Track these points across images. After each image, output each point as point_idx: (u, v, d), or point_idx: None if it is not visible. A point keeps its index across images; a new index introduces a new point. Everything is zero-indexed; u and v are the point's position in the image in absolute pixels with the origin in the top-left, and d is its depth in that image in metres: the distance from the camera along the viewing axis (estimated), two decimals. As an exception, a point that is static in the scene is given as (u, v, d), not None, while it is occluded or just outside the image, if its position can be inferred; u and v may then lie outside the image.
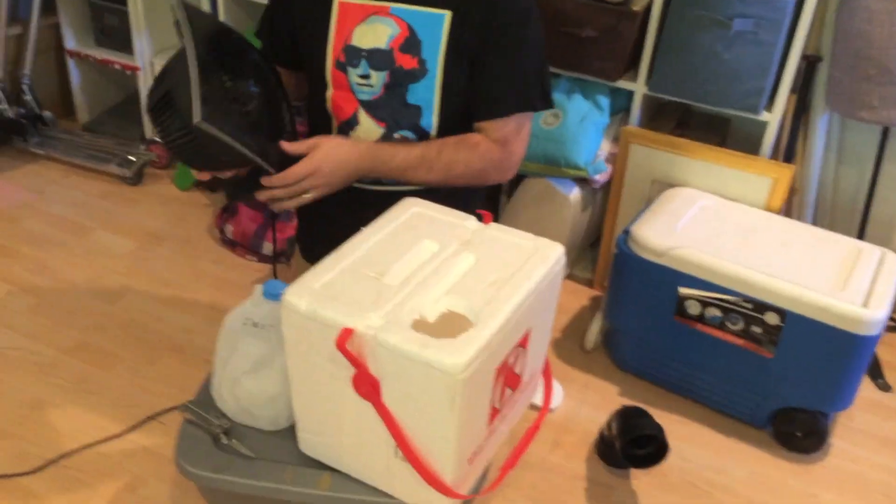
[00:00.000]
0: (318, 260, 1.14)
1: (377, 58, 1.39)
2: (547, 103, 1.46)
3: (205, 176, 1.32)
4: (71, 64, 2.91)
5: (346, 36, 1.40)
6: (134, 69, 2.77)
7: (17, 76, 2.79)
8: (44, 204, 2.56)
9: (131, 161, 2.69)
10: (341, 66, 1.41)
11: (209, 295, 2.20)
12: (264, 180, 1.30)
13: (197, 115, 1.15)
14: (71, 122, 3.02)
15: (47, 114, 2.85)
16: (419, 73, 1.39)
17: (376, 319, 1.01)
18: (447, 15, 1.37)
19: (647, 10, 2.02)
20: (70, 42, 2.87)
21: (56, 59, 2.95)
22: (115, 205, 2.59)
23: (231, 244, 2.40)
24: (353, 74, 1.41)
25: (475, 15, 1.37)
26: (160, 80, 1.25)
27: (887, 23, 1.84)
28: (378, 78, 1.40)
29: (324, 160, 1.31)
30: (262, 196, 1.32)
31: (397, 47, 1.39)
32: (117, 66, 2.81)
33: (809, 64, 2.07)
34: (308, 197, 1.34)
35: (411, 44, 1.39)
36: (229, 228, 2.40)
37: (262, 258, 2.37)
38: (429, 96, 1.41)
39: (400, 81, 1.40)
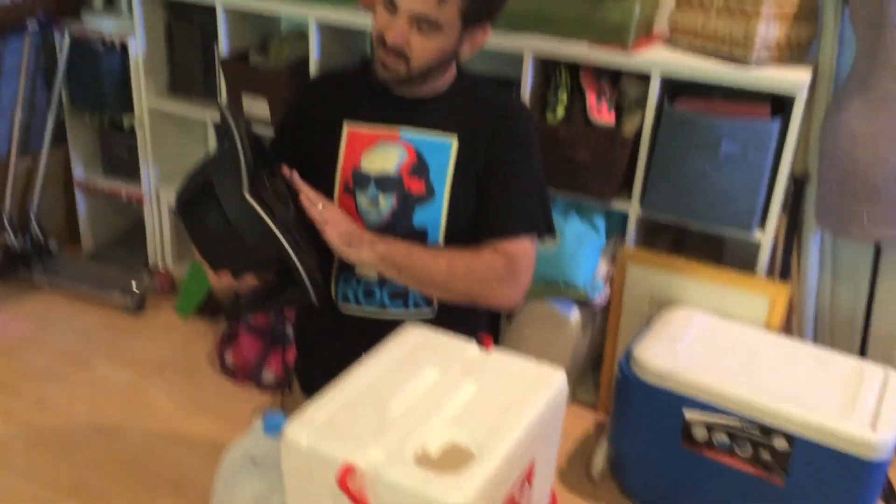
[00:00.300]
0: (317, 392, 1.13)
1: (386, 182, 1.42)
2: (550, 229, 1.47)
3: (223, 280, 1.28)
4: (78, 193, 2.99)
5: (356, 161, 1.44)
6: (140, 199, 2.84)
7: (25, 207, 2.85)
8: (45, 336, 2.56)
9: (134, 289, 2.71)
10: (349, 191, 1.44)
11: (209, 427, 2.16)
12: (291, 176, 1.34)
13: (246, 189, 1.17)
14: (76, 251, 3.06)
15: (52, 244, 2.90)
16: (426, 197, 1.42)
17: (378, 454, 1.00)
18: (454, 140, 1.42)
19: (638, 133, 2.09)
20: (79, 172, 2.95)
21: (64, 189, 3.03)
22: (117, 334, 2.59)
23: (231, 373, 2.39)
24: (362, 199, 1.43)
25: (481, 140, 1.42)
26: (197, 173, 1.26)
27: (871, 143, 1.90)
28: (386, 203, 1.43)
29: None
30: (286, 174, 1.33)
31: (406, 172, 1.42)
32: (124, 197, 2.88)
33: (798, 183, 2.12)
34: (319, 214, 1.33)
35: (419, 168, 1.42)
36: (229, 357, 2.39)
37: (262, 387, 2.35)
38: (436, 219, 1.43)
39: (408, 205, 1.43)
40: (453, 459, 1.02)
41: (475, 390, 1.15)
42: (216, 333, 2.58)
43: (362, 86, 1.48)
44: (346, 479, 0.98)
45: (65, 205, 3.06)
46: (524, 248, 1.43)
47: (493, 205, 1.43)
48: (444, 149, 1.42)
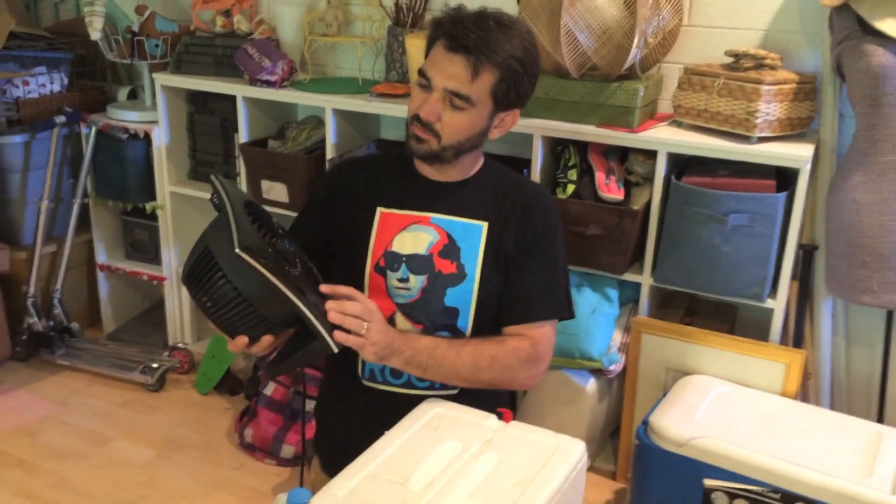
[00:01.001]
0: (337, 467, 1.15)
1: (417, 262, 1.46)
2: (571, 313, 1.52)
3: (239, 344, 1.26)
4: (101, 276, 3.06)
5: (387, 243, 1.48)
6: (161, 279, 2.91)
7: (49, 290, 2.92)
8: (66, 415, 2.59)
9: (154, 368, 2.75)
10: (380, 271, 1.47)
11: None
12: (327, 289, 1.28)
13: (236, 244, 1.17)
14: (97, 332, 3.12)
15: (75, 325, 2.95)
16: (458, 278, 1.46)
17: (403, 528, 1.02)
18: (485, 225, 1.48)
19: (647, 207, 2.14)
20: (102, 256, 3.03)
21: (87, 273, 3.11)
22: (137, 413, 2.61)
23: (250, 448, 2.40)
24: (392, 278, 1.47)
25: (511, 226, 1.47)
26: (196, 244, 1.26)
27: (875, 213, 1.94)
28: (417, 282, 1.47)
29: (376, 308, 1.34)
30: (325, 289, 1.27)
31: (437, 253, 1.46)
32: (145, 278, 2.95)
33: (806, 252, 2.16)
34: (364, 330, 1.28)
35: (450, 250, 1.46)
36: (249, 432, 2.41)
37: (282, 462, 2.36)
38: (466, 299, 1.47)
39: (438, 285, 1.46)
40: (477, 531, 1.04)
41: (496, 463, 1.17)
42: (235, 409, 2.60)
43: (393, 172, 1.54)
44: (374, 552, 1.00)
45: (87, 287, 3.13)
46: (547, 332, 1.48)
47: (519, 292, 1.48)
48: (475, 231, 1.47)
